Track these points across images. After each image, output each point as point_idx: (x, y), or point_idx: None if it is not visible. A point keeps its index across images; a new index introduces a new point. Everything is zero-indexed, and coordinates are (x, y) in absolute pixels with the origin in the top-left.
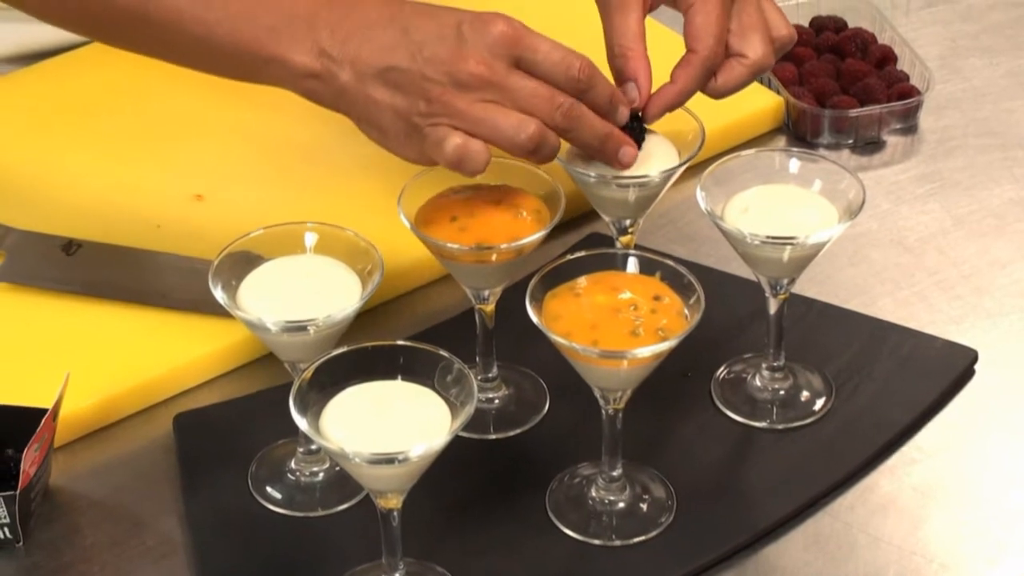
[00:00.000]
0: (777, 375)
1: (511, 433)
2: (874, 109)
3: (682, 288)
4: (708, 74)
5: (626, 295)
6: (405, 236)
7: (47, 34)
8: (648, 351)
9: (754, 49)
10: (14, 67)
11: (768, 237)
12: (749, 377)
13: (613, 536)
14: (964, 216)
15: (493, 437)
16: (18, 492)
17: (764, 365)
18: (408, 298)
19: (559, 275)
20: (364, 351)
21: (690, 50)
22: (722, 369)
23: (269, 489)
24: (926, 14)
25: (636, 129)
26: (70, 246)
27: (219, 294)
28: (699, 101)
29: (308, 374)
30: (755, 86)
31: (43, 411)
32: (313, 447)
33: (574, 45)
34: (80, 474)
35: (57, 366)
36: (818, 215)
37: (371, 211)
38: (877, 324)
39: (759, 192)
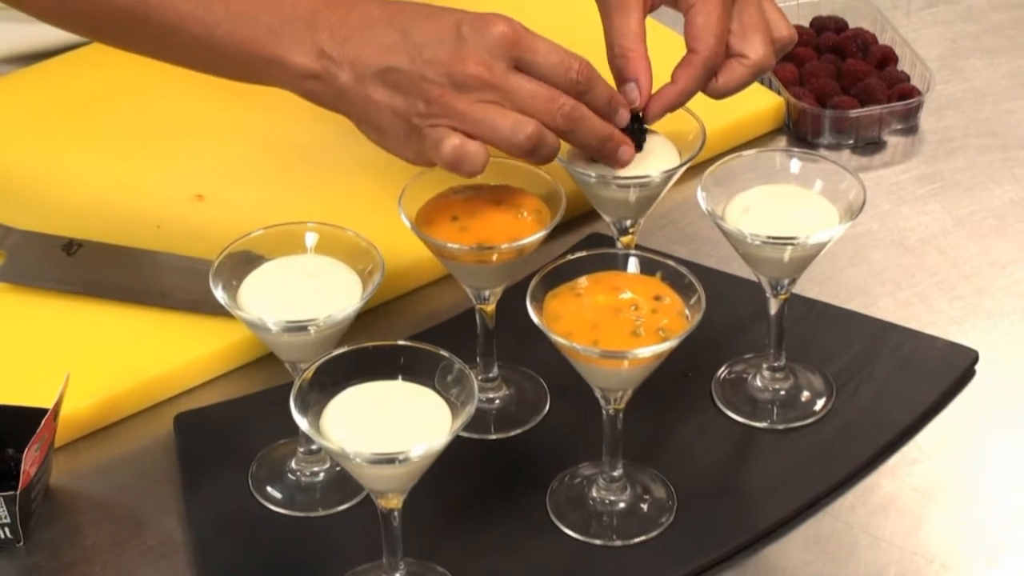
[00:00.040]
0: (778, 375)
1: (512, 433)
2: (875, 109)
3: (683, 288)
4: (709, 74)
5: (627, 295)
6: (406, 236)
7: (47, 34)
8: (649, 351)
9: (755, 49)
10: (14, 67)
11: (769, 237)
12: (750, 377)
13: (614, 536)
14: (965, 217)
15: (494, 437)
16: (19, 492)
17: (765, 365)
18: (409, 298)
19: (560, 275)
20: (365, 351)
21: (691, 50)
22: (723, 369)
23: (270, 489)
24: (927, 14)
25: (637, 130)
26: (70, 246)
27: (220, 294)
28: (700, 101)
29: (309, 374)
30: (756, 86)
31: (44, 411)
32: (314, 447)
33: (574, 46)
34: (81, 474)
35: (58, 366)
36: (819, 215)
37: (372, 211)
38: (878, 324)
39: (760, 192)
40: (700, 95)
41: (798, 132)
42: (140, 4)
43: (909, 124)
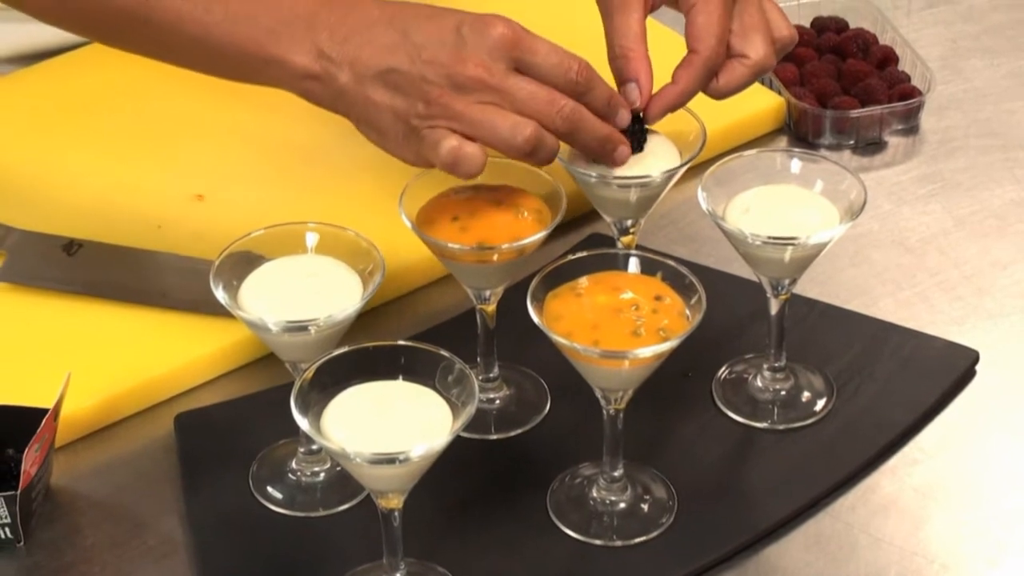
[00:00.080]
0: (778, 375)
1: (512, 433)
2: (875, 110)
3: (683, 288)
4: (709, 75)
5: (627, 295)
6: (406, 236)
7: (48, 34)
8: (649, 351)
9: (756, 50)
10: (15, 67)
11: (769, 237)
12: (750, 377)
13: (614, 536)
14: (965, 217)
15: (494, 437)
16: (19, 492)
17: (765, 365)
18: (409, 298)
19: (560, 275)
20: (365, 351)
21: (691, 51)
22: (723, 369)
23: (270, 489)
24: (927, 15)
25: (637, 130)
26: (71, 246)
27: (220, 294)
28: (700, 101)
29: (309, 374)
30: (756, 87)
31: (44, 411)
32: (314, 447)
33: (574, 47)
34: (81, 474)
35: (58, 366)
36: (819, 216)
37: (372, 211)
38: (878, 325)
39: (760, 192)
40: (701, 95)
41: (799, 132)
42: (140, 4)
43: (910, 124)
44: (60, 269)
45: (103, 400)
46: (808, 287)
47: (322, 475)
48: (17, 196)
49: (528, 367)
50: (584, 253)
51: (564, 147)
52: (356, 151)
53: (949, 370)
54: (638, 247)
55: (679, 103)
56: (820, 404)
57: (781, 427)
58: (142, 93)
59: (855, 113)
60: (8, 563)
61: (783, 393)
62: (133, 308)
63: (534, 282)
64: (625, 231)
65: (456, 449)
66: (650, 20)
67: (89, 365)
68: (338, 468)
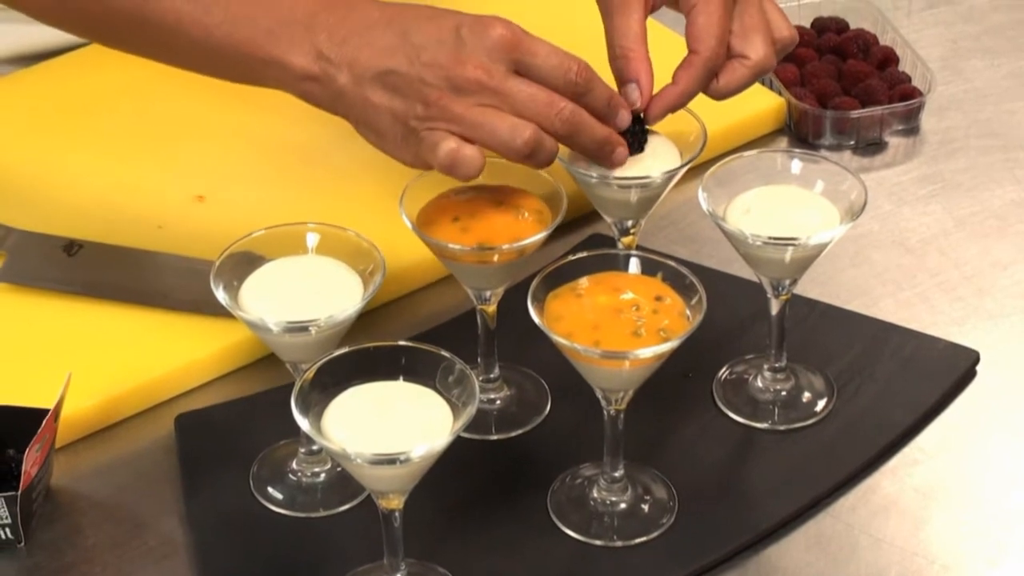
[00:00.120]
0: (779, 376)
1: (513, 434)
2: (876, 110)
3: (684, 289)
4: (710, 75)
5: (628, 296)
6: (407, 237)
7: (48, 35)
8: (650, 352)
9: (756, 50)
10: (15, 67)
11: (770, 238)
12: (751, 378)
13: (615, 537)
14: (966, 217)
15: (495, 438)
16: (19, 492)
17: (766, 366)
18: (410, 299)
19: (561, 276)
20: (366, 352)
21: (692, 51)
22: (724, 370)
23: (271, 490)
24: (928, 15)
25: (638, 131)
26: (71, 247)
27: (221, 295)
28: (701, 102)
29: (310, 375)
30: (757, 87)
31: (44, 411)
32: (315, 447)
33: (575, 48)
34: (81, 475)
35: (58, 367)
36: (820, 216)
37: (373, 212)
38: (879, 325)
39: (761, 193)
40: (701, 96)
41: (799, 133)
42: (139, 6)
43: (910, 125)
44: (60, 270)
45: (103, 401)
46: (809, 287)
47: (323, 476)
48: (17, 196)
49: (529, 367)
50: (585, 254)
51: (564, 148)
52: (357, 151)
53: (950, 371)
54: (639, 247)
55: (679, 104)
56: (821, 405)
57: (782, 428)
58: (142, 94)
59: (855, 114)
60: (9, 564)
61: (784, 394)
62: (133, 309)
63: (535, 282)
64: (626, 232)
65: (457, 450)
66: (650, 21)
67: (90, 366)
68: (339, 469)
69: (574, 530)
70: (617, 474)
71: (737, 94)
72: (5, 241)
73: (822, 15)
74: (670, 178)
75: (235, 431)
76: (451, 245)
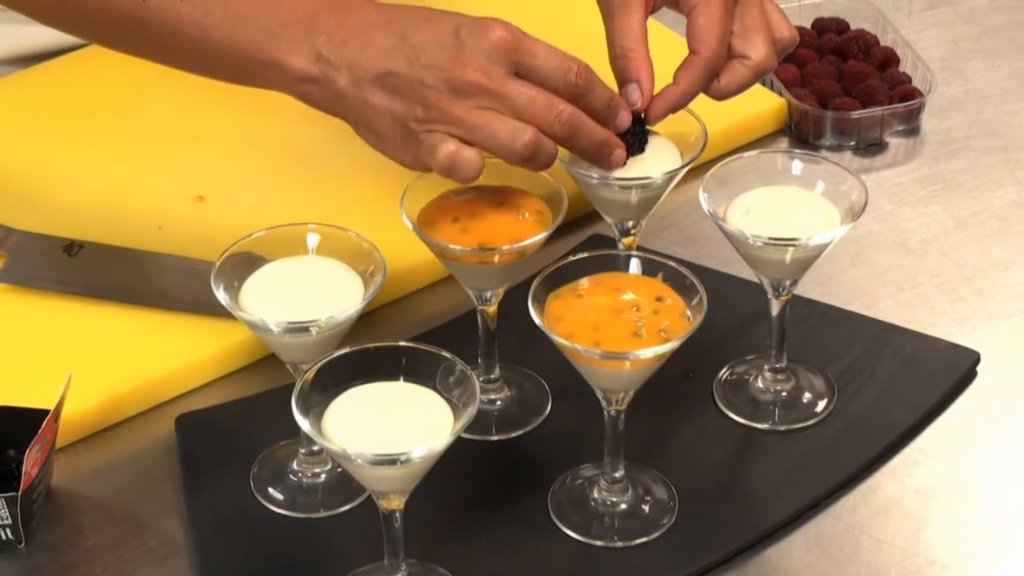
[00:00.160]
0: (779, 377)
1: (513, 434)
2: (876, 111)
3: (684, 289)
4: (711, 75)
5: (628, 296)
6: (407, 237)
7: (47, 35)
8: (650, 352)
9: (756, 51)
10: (15, 68)
11: (770, 239)
12: (751, 379)
13: (615, 537)
14: (966, 218)
15: (495, 438)
16: (20, 493)
17: (766, 367)
18: (410, 299)
19: (561, 276)
20: (366, 352)
21: (692, 51)
22: (724, 370)
23: (271, 490)
24: (928, 16)
25: (638, 131)
26: (71, 247)
27: (221, 295)
28: (701, 102)
29: (310, 375)
30: (757, 88)
31: (45, 412)
32: (315, 448)
33: (575, 48)
34: (82, 475)
35: (59, 367)
36: (820, 217)
37: (373, 212)
38: (879, 326)
39: (761, 193)
40: (702, 96)
41: (800, 133)
42: (138, 7)
43: (910, 125)
44: (61, 270)
45: (104, 401)
46: (809, 288)
47: (323, 476)
48: (17, 197)
49: (529, 368)
50: (585, 254)
51: (564, 149)
52: (357, 152)
53: (950, 371)
54: (639, 248)
55: (680, 104)
56: (821, 405)
57: (782, 428)
58: (142, 94)
59: (856, 114)
60: (9, 564)
61: (784, 394)
62: (134, 309)
63: (535, 283)
64: (626, 232)
65: (457, 450)
66: (651, 21)
67: (90, 366)
68: (339, 469)
69: (575, 531)
70: (618, 475)
71: (738, 94)
72: (5, 241)
73: (823, 16)
74: (671, 179)
75: (236, 431)
76: (452, 246)
